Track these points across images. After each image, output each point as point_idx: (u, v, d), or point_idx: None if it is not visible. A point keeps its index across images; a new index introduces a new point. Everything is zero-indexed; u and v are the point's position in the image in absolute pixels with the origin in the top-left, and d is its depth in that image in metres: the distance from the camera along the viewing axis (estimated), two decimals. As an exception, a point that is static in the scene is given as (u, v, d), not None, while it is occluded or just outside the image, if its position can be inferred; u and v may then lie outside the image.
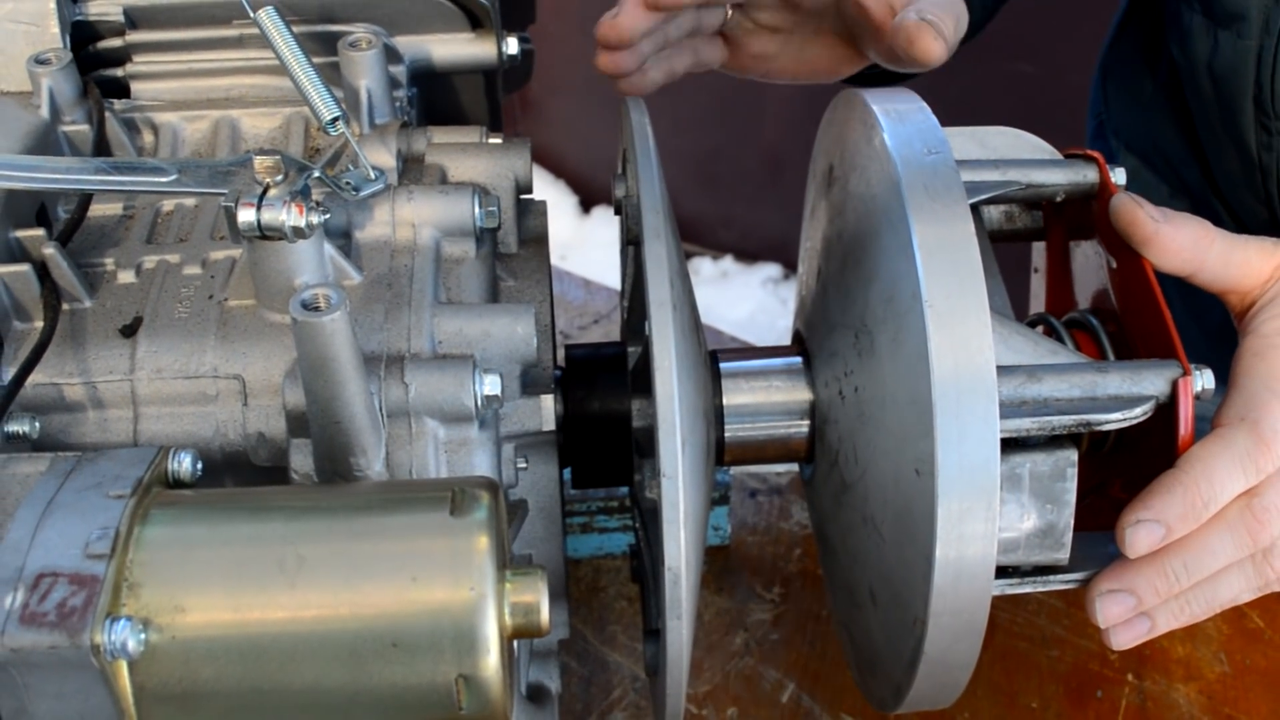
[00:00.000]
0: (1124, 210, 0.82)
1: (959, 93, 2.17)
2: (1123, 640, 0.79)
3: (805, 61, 1.04)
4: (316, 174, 0.74)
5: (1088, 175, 0.85)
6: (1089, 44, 1.92)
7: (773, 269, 3.15)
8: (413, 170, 0.86)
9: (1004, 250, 0.89)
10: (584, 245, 3.16)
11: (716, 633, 1.10)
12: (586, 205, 3.29)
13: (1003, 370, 0.72)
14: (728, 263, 3.18)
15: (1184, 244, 0.81)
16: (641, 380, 0.81)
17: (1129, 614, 0.78)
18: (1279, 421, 0.75)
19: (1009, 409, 0.73)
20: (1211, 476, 0.75)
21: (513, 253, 0.88)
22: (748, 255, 3.17)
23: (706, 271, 3.16)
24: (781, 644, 1.09)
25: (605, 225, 3.20)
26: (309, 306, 0.64)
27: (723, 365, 0.85)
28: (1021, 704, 1.05)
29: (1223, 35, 1.09)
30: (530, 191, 0.89)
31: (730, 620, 1.11)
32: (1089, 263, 0.90)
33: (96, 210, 0.83)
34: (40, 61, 0.85)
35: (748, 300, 3.09)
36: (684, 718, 0.80)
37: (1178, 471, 0.75)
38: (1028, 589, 0.80)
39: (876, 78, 1.06)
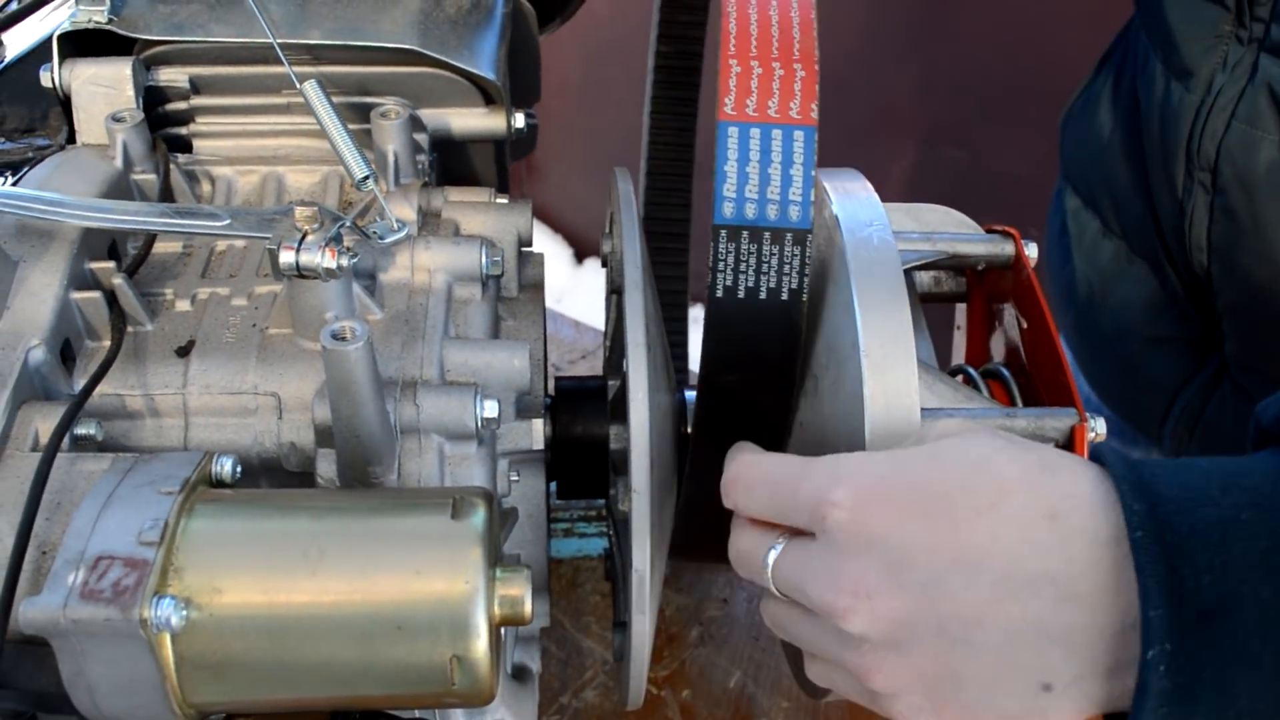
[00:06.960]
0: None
1: (900, 172, 2.19)
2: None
3: None
4: (348, 224, 0.74)
5: (1005, 249, 0.86)
6: (1007, 134, 1.94)
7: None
8: (430, 223, 0.86)
9: (931, 309, 0.89)
10: (576, 291, 3.16)
11: (676, 626, 1.10)
12: (580, 256, 3.29)
13: (926, 412, 0.72)
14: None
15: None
16: (619, 409, 0.81)
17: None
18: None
19: (930, 445, 0.73)
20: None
21: (513, 296, 0.88)
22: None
23: (695, 314, 3.17)
24: (731, 638, 1.09)
25: (595, 275, 3.20)
26: (337, 337, 0.64)
27: (689, 399, 0.85)
28: (934, 697, 1.04)
29: (1174, 86, 1.07)
30: (530, 245, 0.89)
31: (688, 616, 1.11)
32: (1004, 323, 0.91)
33: (160, 248, 0.84)
34: (117, 119, 0.85)
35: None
36: (645, 697, 0.80)
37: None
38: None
39: None
